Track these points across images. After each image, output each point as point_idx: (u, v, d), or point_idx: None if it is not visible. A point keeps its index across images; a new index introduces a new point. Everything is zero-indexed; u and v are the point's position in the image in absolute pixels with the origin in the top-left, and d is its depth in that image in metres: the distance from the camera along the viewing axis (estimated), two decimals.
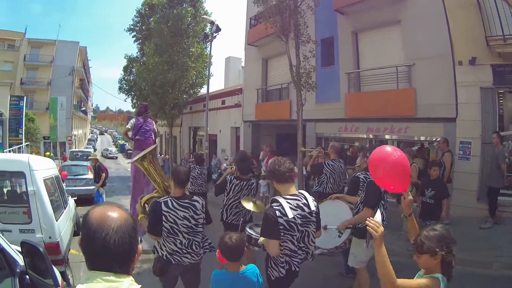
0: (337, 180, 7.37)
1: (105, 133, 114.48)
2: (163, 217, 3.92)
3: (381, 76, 12.48)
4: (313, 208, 3.56)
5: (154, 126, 8.91)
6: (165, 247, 4.05)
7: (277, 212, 3.36)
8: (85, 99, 64.79)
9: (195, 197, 4.23)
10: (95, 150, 50.37)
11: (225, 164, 12.67)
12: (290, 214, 3.36)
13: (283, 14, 12.03)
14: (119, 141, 70.88)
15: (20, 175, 5.25)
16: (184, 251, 4.05)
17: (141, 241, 7.12)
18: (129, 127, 8.74)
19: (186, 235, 4.04)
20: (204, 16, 21.57)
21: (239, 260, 3.38)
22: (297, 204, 3.48)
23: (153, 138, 8.71)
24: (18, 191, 5.96)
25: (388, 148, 3.24)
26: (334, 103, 14.02)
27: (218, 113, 23.12)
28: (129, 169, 10.87)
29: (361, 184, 5.58)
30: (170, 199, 4.02)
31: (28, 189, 5.10)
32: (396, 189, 3.14)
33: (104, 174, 12.23)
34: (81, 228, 1.55)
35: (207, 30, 23.54)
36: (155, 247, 4.22)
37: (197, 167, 10.41)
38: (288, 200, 3.46)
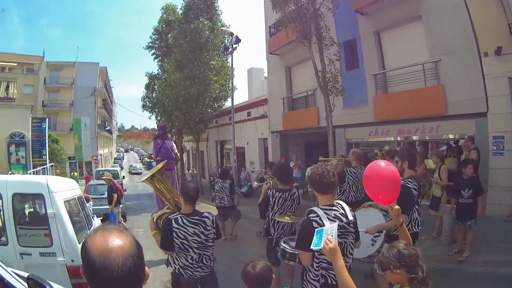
0: (359, 188, 7.09)
1: (130, 151, 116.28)
2: (174, 233, 4.04)
3: (408, 75, 12.17)
4: (350, 218, 3.44)
5: (173, 145, 9.30)
6: (178, 261, 4.19)
7: (314, 223, 3.23)
8: (109, 118, 65.29)
9: (205, 213, 4.32)
10: (122, 168, 51.01)
11: (256, 182, 12.27)
12: (328, 224, 3.17)
13: (303, 18, 11.89)
14: (145, 158, 71.19)
15: (39, 197, 5.01)
16: (195, 265, 4.16)
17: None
18: (151, 152, 9.28)
19: (197, 250, 4.14)
20: (223, 28, 21.42)
21: None
22: (334, 214, 3.35)
23: (173, 155, 8.99)
24: (39, 213, 5.62)
25: (382, 163, 3.29)
26: (362, 107, 13.72)
27: (244, 125, 22.88)
28: None
29: None
30: (180, 216, 4.14)
31: (48, 211, 4.83)
32: (384, 200, 3.24)
33: (115, 194, 12.21)
34: (82, 257, 1.43)
35: (226, 42, 23.43)
36: (168, 260, 4.38)
37: (220, 181, 10.71)
38: (326, 211, 3.34)
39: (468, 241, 7.31)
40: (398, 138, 13.04)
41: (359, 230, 4.29)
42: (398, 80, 12.58)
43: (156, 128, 13.09)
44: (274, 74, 19.69)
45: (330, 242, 2.65)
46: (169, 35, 27.22)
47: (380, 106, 13.02)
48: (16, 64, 42.31)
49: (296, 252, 3.95)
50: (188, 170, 29.22)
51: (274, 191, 5.80)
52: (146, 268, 1.51)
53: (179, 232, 4.05)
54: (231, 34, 18.76)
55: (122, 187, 16.14)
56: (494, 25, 9.66)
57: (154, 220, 4.52)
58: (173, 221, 4.08)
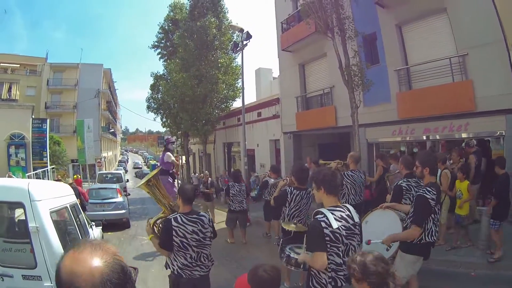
0: (358, 191, 7.37)
1: (130, 152, 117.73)
2: (173, 231, 4.15)
3: (433, 70, 11.52)
4: (356, 220, 3.46)
5: (165, 154, 10.33)
6: (176, 261, 4.26)
7: (322, 223, 3.28)
8: (113, 121, 64.98)
9: (202, 213, 4.52)
10: (126, 171, 50.45)
11: (268, 178, 11.84)
12: (335, 224, 3.27)
13: (325, 8, 11.19)
14: (150, 161, 71.17)
15: (19, 206, 4.02)
16: (193, 264, 4.26)
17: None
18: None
19: (196, 248, 4.25)
20: (232, 24, 20.72)
21: None
22: (341, 215, 3.38)
23: (167, 163, 10.16)
24: (22, 225, 4.54)
25: None
26: (385, 104, 12.93)
27: (254, 126, 21.89)
28: None
29: (404, 192, 5.68)
30: (179, 215, 4.26)
31: (29, 225, 3.81)
32: None
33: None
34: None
35: (235, 38, 22.89)
36: (167, 262, 4.44)
37: (236, 185, 10.85)
38: (332, 211, 3.38)
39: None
40: (424, 137, 12.33)
41: (375, 241, 4.61)
42: (423, 76, 11.92)
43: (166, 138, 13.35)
44: (287, 72, 18.75)
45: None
46: (175, 34, 26.70)
47: (404, 104, 12.27)
48: (19, 65, 42.02)
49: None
50: (195, 174, 28.16)
51: (292, 189, 6.12)
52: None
53: (179, 230, 4.16)
54: (241, 30, 18.09)
55: (122, 191, 15.50)
56: None
57: (151, 225, 4.60)
58: (172, 220, 4.20)
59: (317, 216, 3.36)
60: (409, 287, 5.08)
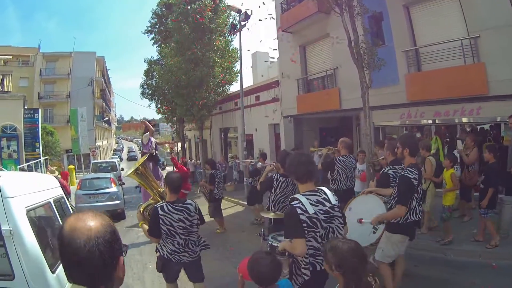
0: (349, 176, 7.41)
1: (125, 140, 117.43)
2: (160, 220, 4.31)
3: (444, 52, 11.15)
4: (334, 202, 3.43)
5: (143, 136, 10.45)
6: (165, 247, 4.47)
7: (297, 209, 3.22)
8: (108, 109, 64.59)
9: (188, 201, 4.62)
10: (121, 160, 50.16)
11: (259, 163, 12.25)
12: (311, 210, 3.23)
13: None
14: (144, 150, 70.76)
15: None
16: (181, 250, 4.46)
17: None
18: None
19: (183, 236, 4.43)
20: (230, 5, 19.71)
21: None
22: (317, 199, 3.34)
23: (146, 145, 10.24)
24: None
25: None
26: (392, 86, 12.40)
27: (252, 110, 21.10)
28: None
29: (391, 179, 5.63)
30: (165, 204, 4.40)
31: (2, 227, 3.08)
32: None
33: None
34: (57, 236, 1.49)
35: (232, 20, 22.02)
36: (157, 247, 4.62)
37: (218, 172, 11.20)
38: (307, 197, 3.33)
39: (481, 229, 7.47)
40: (436, 121, 11.92)
41: (366, 220, 4.99)
42: (433, 57, 11.50)
43: (148, 121, 12.88)
44: (287, 54, 17.86)
45: None
46: (169, 19, 25.74)
47: (413, 86, 11.82)
48: (11, 56, 41.69)
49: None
50: (191, 160, 27.52)
51: (278, 175, 6.26)
52: (122, 258, 1.53)
53: (165, 218, 4.32)
54: (239, 10, 17.28)
55: (116, 181, 15.01)
56: None
57: (141, 211, 4.82)
58: (159, 208, 4.35)
59: (293, 203, 3.34)
60: (396, 266, 5.27)
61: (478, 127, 11.35)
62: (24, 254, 3.13)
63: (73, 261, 1.38)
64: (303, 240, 3.20)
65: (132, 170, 5.04)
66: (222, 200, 11.36)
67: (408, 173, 4.80)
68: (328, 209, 3.35)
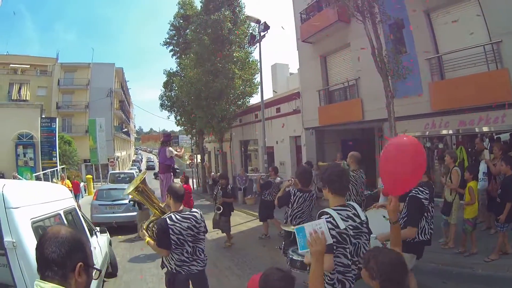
0: (359, 191, 7.39)
1: (144, 152, 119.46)
2: (170, 230, 4.30)
3: (465, 58, 10.84)
4: (363, 218, 3.31)
5: (167, 149, 9.97)
6: (173, 260, 4.41)
7: (328, 224, 2.94)
8: (127, 120, 65.02)
9: (193, 209, 4.67)
10: (140, 171, 50.26)
11: (279, 178, 11.92)
12: (342, 225, 3.08)
13: None
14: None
15: None
16: (190, 259, 4.45)
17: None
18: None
19: (191, 243, 4.44)
20: (249, 15, 19.60)
21: None
22: (347, 214, 3.22)
23: (165, 160, 9.92)
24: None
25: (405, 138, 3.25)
26: (416, 96, 12.04)
27: (272, 122, 20.81)
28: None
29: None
30: (173, 214, 4.43)
31: (4, 239, 2.85)
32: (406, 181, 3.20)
33: None
34: None
35: (251, 31, 22.35)
36: (163, 262, 4.57)
37: (228, 186, 11.36)
38: (338, 211, 3.20)
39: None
40: (460, 131, 11.56)
41: (372, 235, 4.42)
42: (455, 65, 11.18)
43: (163, 133, 13.17)
44: (307, 65, 17.74)
45: (317, 241, 2.54)
46: (188, 30, 26.19)
47: (438, 95, 11.42)
48: (29, 66, 42.13)
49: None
50: (211, 173, 27.06)
51: (295, 190, 6.23)
52: (80, 264, 1.71)
53: (174, 228, 4.31)
54: (258, 21, 17.31)
55: None
56: None
57: (144, 229, 4.75)
58: (167, 219, 4.35)
59: (323, 217, 3.17)
60: (408, 283, 4.95)
61: (495, 136, 10.96)
62: (27, 267, 2.94)
63: (39, 254, 1.69)
64: (331, 255, 3.06)
65: (132, 188, 4.92)
66: (242, 213, 11.40)
67: (418, 193, 4.75)
68: (358, 224, 3.27)
